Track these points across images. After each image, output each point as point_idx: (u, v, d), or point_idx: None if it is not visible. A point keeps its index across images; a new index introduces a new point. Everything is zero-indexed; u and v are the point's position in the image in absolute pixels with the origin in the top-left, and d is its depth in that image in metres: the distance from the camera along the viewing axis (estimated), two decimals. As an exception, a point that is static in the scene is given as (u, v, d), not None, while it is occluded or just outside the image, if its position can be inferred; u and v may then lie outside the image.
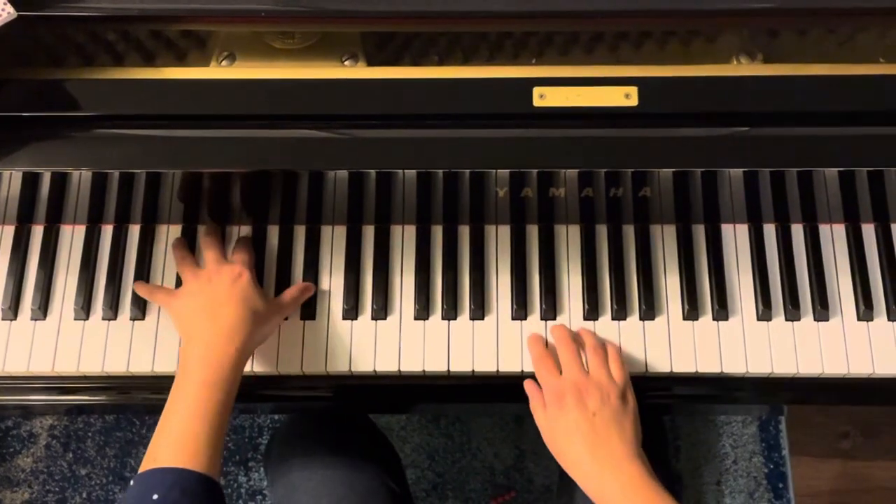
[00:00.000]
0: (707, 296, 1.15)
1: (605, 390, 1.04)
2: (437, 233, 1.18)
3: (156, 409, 1.04)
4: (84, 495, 1.91)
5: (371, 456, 1.27)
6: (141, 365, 1.14)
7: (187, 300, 1.09)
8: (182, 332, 1.08)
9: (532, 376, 1.10)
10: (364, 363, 1.13)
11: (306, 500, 1.20)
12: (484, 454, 1.90)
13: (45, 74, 1.05)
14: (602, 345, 1.10)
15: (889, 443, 1.86)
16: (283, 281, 1.16)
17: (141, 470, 0.95)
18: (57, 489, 1.91)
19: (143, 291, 1.14)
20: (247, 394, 1.10)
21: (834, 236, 1.18)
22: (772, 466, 1.89)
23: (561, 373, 1.07)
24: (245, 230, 1.19)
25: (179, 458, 0.95)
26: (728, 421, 1.92)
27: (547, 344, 1.13)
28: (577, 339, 1.11)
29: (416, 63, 1.10)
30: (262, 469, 1.88)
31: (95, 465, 1.92)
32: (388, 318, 1.15)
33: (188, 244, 1.17)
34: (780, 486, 1.88)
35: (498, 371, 1.13)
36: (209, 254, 1.14)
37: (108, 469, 1.92)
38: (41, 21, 1.00)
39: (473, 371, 1.13)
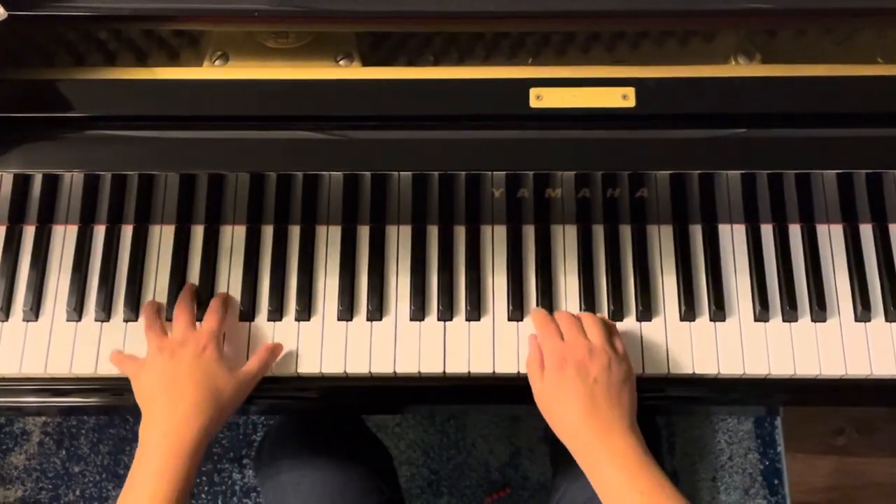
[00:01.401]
0: (704, 297, 1.15)
1: (607, 358, 1.02)
2: (433, 233, 1.17)
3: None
4: (77, 493, 1.90)
5: (362, 457, 1.26)
6: (134, 367, 1.13)
7: (149, 375, 1.06)
8: (141, 406, 1.05)
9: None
10: (359, 364, 1.12)
11: (296, 502, 1.20)
12: (479, 451, 1.89)
13: (36, 74, 1.05)
14: (603, 320, 1.09)
15: (884, 439, 1.86)
16: (279, 282, 1.15)
17: None
18: (50, 486, 1.90)
19: (113, 359, 1.12)
20: (241, 396, 1.09)
21: (832, 237, 1.17)
22: (767, 463, 1.89)
23: (565, 339, 1.06)
24: (239, 230, 1.18)
25: None
26: (724, 417, 1.92)
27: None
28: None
29: (411, 63, 1.10)
30: (256, 466, 1.88)
31: (89, 462, 1.91)
32: (384, 319, 1.14)
33: (183, 241, 1.16)
34: (776, 482, 1.88)
35: (494, 373, 1.12)
36: (178, 320, 1.11)
37: (102, 466, 1.91)
38: (32, 20, 0.99)
39: (469, 372, 1.12)
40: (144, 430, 1.02)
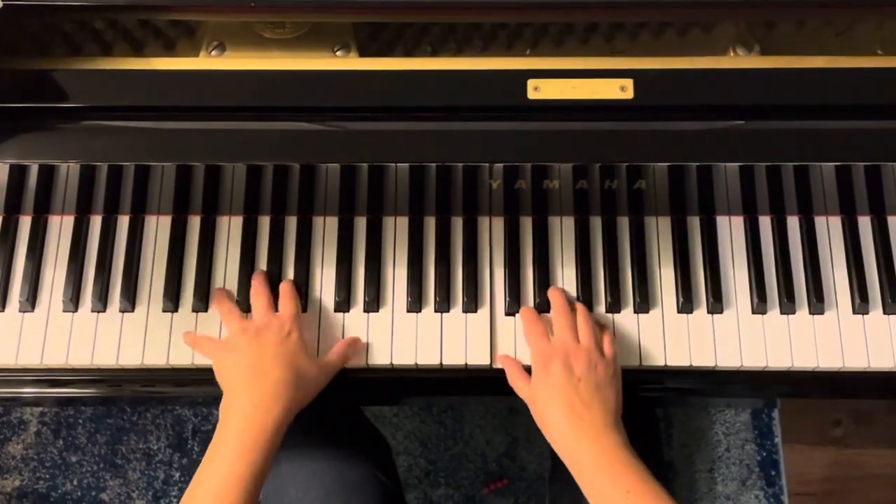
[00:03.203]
0: (702, 288, 1.15)
1: (593, 358, 1.04)
2: (430, 224, 1.17)
3: (146, 402, 1.03)
4: (75, 482, 1.90)
5: (361, 447, 1.26)
6: (131, 358, 1.13)
7: (233, 357, 1.06)
8: (224, 387, 1.05)
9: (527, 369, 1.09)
10: (357, 356, 1.12)
11: (295, 492, 1.19)
12: (476, 442, 1.89)
13: (32, 65, 1.04)
14: (594, 319, 1.10)
15: (881, 430, 1.86)
16: (275, 272, 1.15)
17: None
18: (47, 476, 1.90)
19: (188, 340, 1.12)
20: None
21: (830, 229, 1.17)
22: (764, 454, 1.89)
23: (552, 338, 1.07)
24: (236, 220, 1.17)
25: None
26: (721, 409, 1.92)
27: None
28: (573, 307, 1.11)
29: (408, 53, 1.09)
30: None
31: (86, 452, 1.91)
32: (381, 310, 1.14)
33: (180, 231, 1.16)
34: (773, 473, 1.88)
35: (491, 365, 1.12)
36: (258, 304, 1.11)
37: (99, 456, 1.91)
38: (27, 10, 0.99)
39: (466, 364, 1.12)
40: (226, 410, 1.02)
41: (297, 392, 1.03)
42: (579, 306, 1.11)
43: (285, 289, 1.13)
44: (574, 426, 1.00)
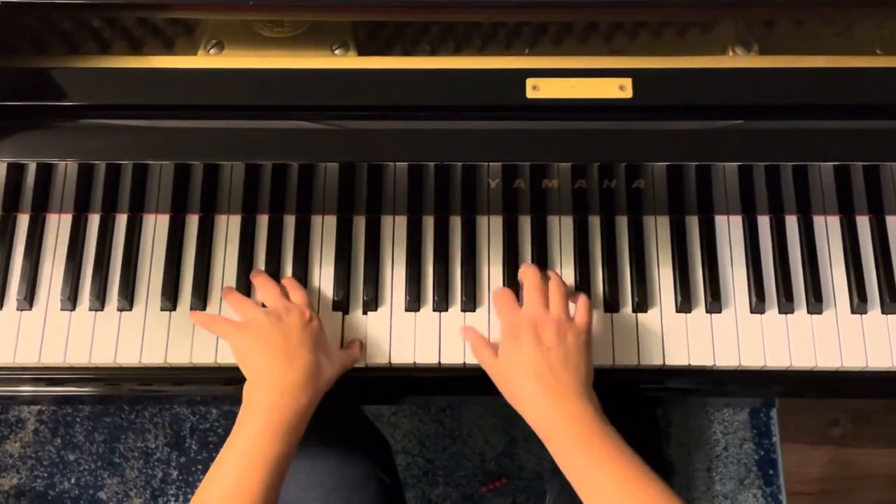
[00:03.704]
0: (700, 288, 1.15)
1: (562, 328, 1.03)
2: (429, 223, 1.17)
3: (144, 401, 1.03)
4: (73, 481, 1.90)
5: (360, 446, 1.26)
6: (128, 356, 1.12)
7: (257, 335, 1.03)
8: (247, 368, 1.03)
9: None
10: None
11: (295, 492, 1.19)
12: (475, 441, 1.89)
13: (30, 63, 1.04)
14: (569, 288, 1.10)
15: (879, 430, 1.86)
16: (273, 271, 1.14)
17: None
18: (45, 474, 1.90)
19: (200, 320, 1.10)
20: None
21: (828, 228, 1.17)
22: (762, 453, 1.89)
23: (521, 309, 1.07)
24: (234, 219, 1.17)
25: None
26: (719, 408, 1.92)
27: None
28: (545, 277, 1.10)
29: (407, 52, 1.09)
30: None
31: (84, 450, 1.91)
32: (379, 309, 1.14)
33: (178, 230, 1.16)
34: (771, 472, 1.88)
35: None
36: (270, 293, 1.09)
37: (97, 454, 1.91)
38: (25, 8, 0.98)
39: (465, 363, 1.12)
40: (252, 391, 1.00)
41: (321, 378, 1.03)
42: (552, 274, 1.11)
43: (290, 281, 1.13)
44: (545, 395, 0.99)
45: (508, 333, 1.05)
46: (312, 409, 1.02)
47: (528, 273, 1.10)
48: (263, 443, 0.96)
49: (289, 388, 0.99)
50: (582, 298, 1.09)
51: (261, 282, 1.12)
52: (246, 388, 1.02)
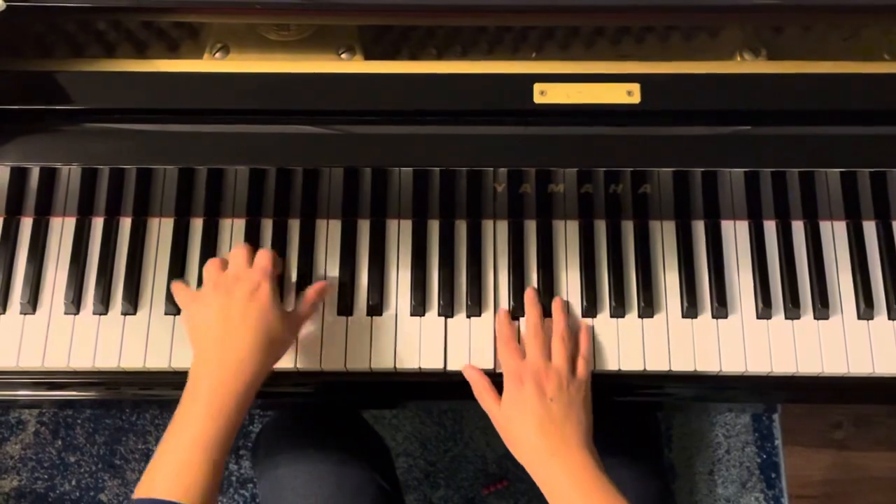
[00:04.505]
0: (706, 293, 1.14)
1: (564, 379, 1.04)
2: (434, 228, 1.16)
3: (145, 405, 1.02)
4: (73, 483, 1.89)
5: (360, 452, 1.26)
6: (132, 360, 1.12)
7: (202, 310, 1.04)
8: (193, 343, 1.04)
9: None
10: (360, 360, 1.12)
11: (293, 498, 1.19)
12: (476, 443, 1.89)
13: (34, 66, 1.03)
14: (572, 337, 1.10)
15: (881, 433, 1.86)
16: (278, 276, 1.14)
17: (138, 493, 0.93)
18: (46, 476, 1.90)
19: (174, 287, 1.11)
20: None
21: (835, 233, 1.16)
22: (764, 456, 1.89)
23: (525, 358, 1.07)
24: (238, 223, 1.17)
25: (176, 490, 0.92)
26: (721, 411, 1.91)
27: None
28: (546, 326, 1.10)
29: (413, 56, 1.09)
30: (253, 458, 1.87)
31: (84, 452, 1.91)
32: (384, 314, 1.14)
33: (182, 234, 1.16)
34: (773, 475, 1.88)
35: (495, 369, 1.11)
36: (235, 257, 1.09)
37: (98, 456, 1.90)
38: (31, 11, 0.98)
39: (470, 369, 1.12)
40: (196, 370, 1.01)
41: (266, 356, 1.02)
42: (556, 323, 1.10)
43: (262, 250, 1.10)
44: (547, 445, 1.00)
45: (510, 382, 1.05)
46: (255, 388, 1.01)
47: (529, 314, 1.10)
48: (206, 423, 0.96)
49: (226, 372, 0.99)
50: (583, 347, 1.10)
51: (234, 249, 1.11)
52: (191, 365, 1.02)
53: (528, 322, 1.10)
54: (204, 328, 1.03)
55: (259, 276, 1.05)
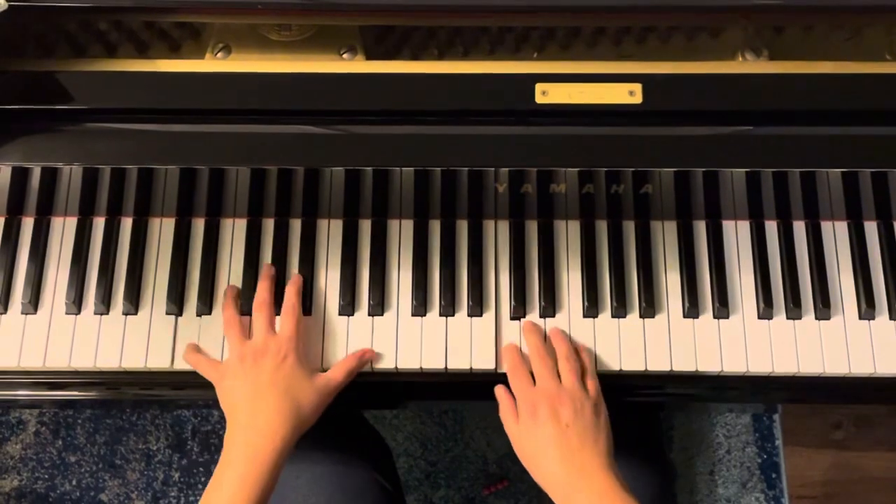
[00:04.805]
0: (708, 293, 1.14)
1: (578, 402, 1.03)
2: (435, 228, 1.16)
3: (145, 405, 1.02)
4: (74, 482, 1.89)
5: (361, 452, 1.26)
6: (134, 360, 1.12)
7: (231, 383, 1.06)
8: (226, 412, 1.05)
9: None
10: (364, 367, 1.12)
11: (295, 497, 1.19)
12: (477, 443, 1.89)
13: (37, 66, 1.03)
14: (575, 353, 1.09)
15: (881, 433, 1.86)
16: (280, 275, 1.14)
17: None
18: (46, 476, 1.90)
19: (190, 360, 1.11)
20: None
21: (836, 234, 1.16)
22: (765, 456, 1.89)
23: (535, 383, 1.07)
24: (240, 223, 1.17)
25: None
26: (722, 411, 1.91)
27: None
28: (549, 348, 1.10)
29: (415, 56, 1.09)
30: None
31: (85, 452, 1.91)
32: (385, 314, 1.14)
33: (183, 234, 1.16)
34: (773, 476, 1.88)
35: (496, 370, 1.11)
36: (258, 323, 1.09)
37: (98, 456, 1.90)
38: (32, 11, 0.98)
39: (471, 369, 1.12)
40: (230, 436, 1.03)
41: (296, 420, 1.04)
42: (558, 346, 1.10)
43: (287, 303, 1.11)
44: (568, 472, 1.00)
45: (525, 411, 1.05)
46: (290, 446, 1.03)
47: (531, 341, 1.10)
48: (241, 490, 0.99)
49: (255, 441, 1.01)
50: (586, 362, 1.09)
51: (257, 302, 1.11)
52: (226, 434, 1.04)
53: (532, 348, 1.10)
54: (233, 400, 1.05)
55: (286, 347, 1.07)
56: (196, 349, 1.12)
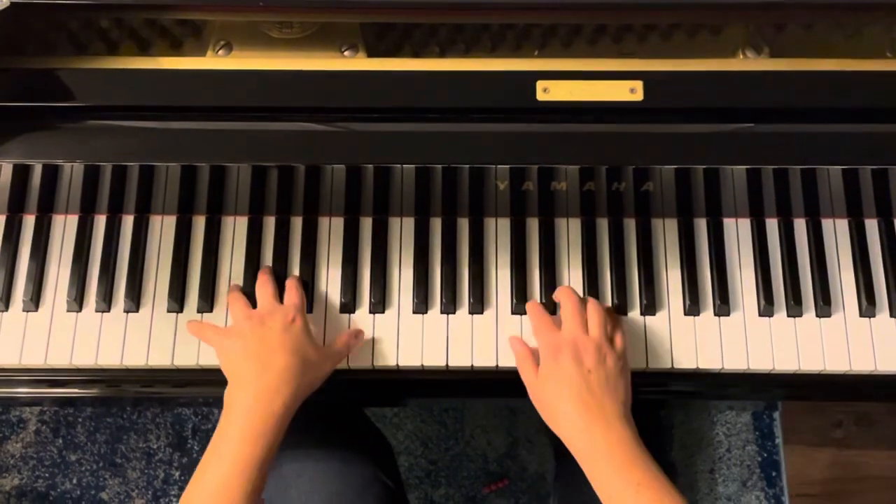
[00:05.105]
0: (708, 291, 1.14)
1: (602, 350, 1.03)
2: (436, 225, 1.17)
3: (146, 403, 1.02)
4: (74, 481, 1.89)
5: (364, 449, 1.26)
6: (135, 358, 1.12)
7: (237, 341, 1.05)
8: (228, 373, 1.05)
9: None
10: (362, 358, 1.12)
11: (297, 494, 1.19)
12: (477, 442, 1.89)
13: (38, 63, 1.03)
14: (607, 313, 1.09)
15: (882, 432, 1.86)
16: (280, 273, 1.14)
17: None
18: (47, 475, 1.90)
19: (192, 329, 1.12)
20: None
21: (837, 231, 1.17)
22: (765, 455, 1.89)
23: (561, 330, 1.06)
24: (241, 220, 1.17)
25: None
26: (722, 409, 1.92)
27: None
28: (582, 300, 1.09)
29: (416, 54, 1.09)
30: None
31: (86, 450, 1.91)
32: (387, 311, 1.14)
33: (184, 231, 1.16)
34: (773, 474, 1.88)
35: (497, 366, 1.11)
36: (263, 293, 1.10)
37: (99, 455, 1.90)
38: (34, 9, 0.98)
39: (472, 366, 1.12)
40: (232, 395, 1.02)
41: (303, 378, 1.03)
42: (590, 298, 1.10)
43: (291, 282, 1.12)
44: (585, 418, 0.99)
45: (548, 354, 1.04)
46: (294, 407, 1.03)
47: (565, 293, 1.08)
48: (243, 447, 0.97)
49: (263, 392, 1.00)
50: (619, 323, 1.09)
51: (260, 281, 1.12)
52: (226, 393, 1.03)
53: (564, 297, 1.08)
54: (240, 357, 1.04)
55: (293, 311, 1.07)
56: (196, 322, 1.12)
